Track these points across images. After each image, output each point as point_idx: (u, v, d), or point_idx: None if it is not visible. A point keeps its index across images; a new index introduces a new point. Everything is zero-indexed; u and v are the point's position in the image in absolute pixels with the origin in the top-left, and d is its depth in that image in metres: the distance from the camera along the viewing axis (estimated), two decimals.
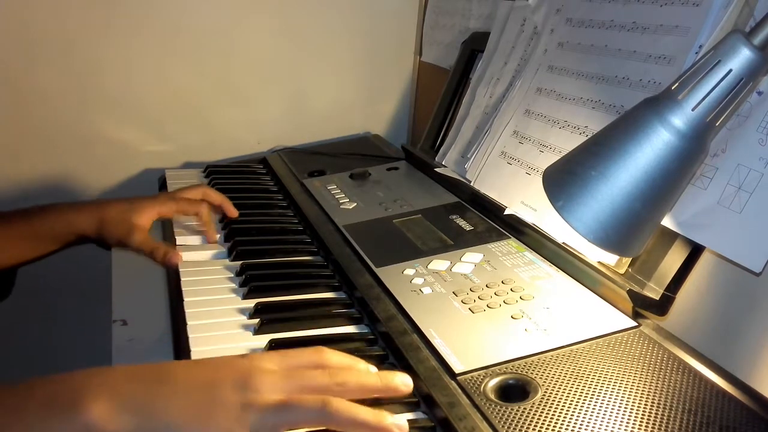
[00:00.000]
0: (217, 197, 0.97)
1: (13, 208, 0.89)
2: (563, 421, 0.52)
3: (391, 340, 0.65)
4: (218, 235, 0.93)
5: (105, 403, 0.46)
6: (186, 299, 0.75)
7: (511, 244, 0.80)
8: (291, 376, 0.51)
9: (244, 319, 0.72)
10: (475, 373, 0.58)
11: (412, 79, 1.38)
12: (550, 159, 0.75)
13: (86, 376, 0.48)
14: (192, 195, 0.95)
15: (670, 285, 0.63)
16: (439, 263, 0.77)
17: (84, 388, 0.47)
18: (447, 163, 1.02)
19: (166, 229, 0.97)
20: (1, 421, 0.45)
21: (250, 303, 0.74)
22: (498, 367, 0.59)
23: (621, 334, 0.62)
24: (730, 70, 0.49)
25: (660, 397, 0.54)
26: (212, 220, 0.94)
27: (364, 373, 0.54)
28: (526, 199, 0.81)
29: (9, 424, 0.45)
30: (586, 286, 0.70)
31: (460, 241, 0.82)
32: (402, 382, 0.53)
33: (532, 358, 0.59)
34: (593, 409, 0.53)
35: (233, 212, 0.97)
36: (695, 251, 0.62)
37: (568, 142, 0.77)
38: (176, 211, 0.93)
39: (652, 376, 0.56)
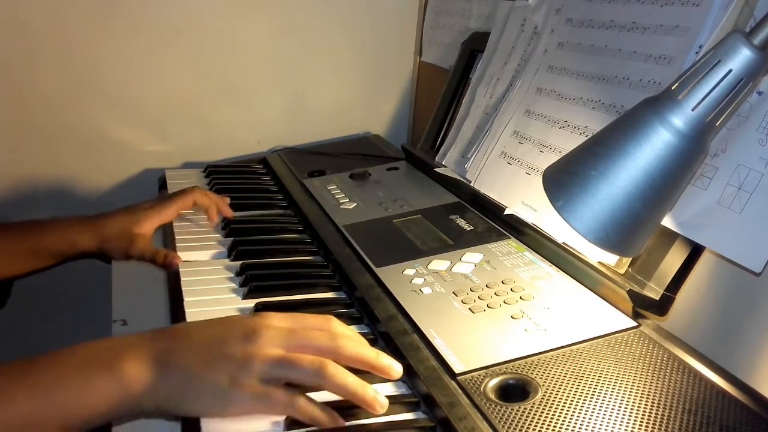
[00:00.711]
0: (207, 202, 0.96)
1: (13, 209, 0.89)
2: (563, 421, 0.52)
3: (391, 340, 0.65)
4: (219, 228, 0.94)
5: (135, 361, 0.53)
6: (186, 299, 0.75)
7: (511, 244, 0.80)
8: (294, 334, 0.56)
9: None
10: (475, 373, 0.58)
11: (412, 79, 1.38)
12: (550, 159, 0.75)
13: (118, 341, 0.57)
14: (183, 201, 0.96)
15: (670, 285, 0.63)
16: (439, 263, 0.77)
17: (118, 350, 0.55)
18: (447, 163, 1.02)
19: (166, 230, 0.97)
20: (47, 382, 0.52)
21: (250, 303, 0.74)
22: (498, 367, 0.59)
23: (621, 334, 0.62)
24: (730, 70, 0.49)
25: (660, 397, 0.54)
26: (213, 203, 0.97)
27: (363, 344, 0.58)
28: (526, 199, 0.81)
29: (54, 384, 0.52)
30: (586, 286, 0.70)
31: (460, 241, 0.82)
32: (389, 365, 0.57)
33: (532, 358, 0.59)
34: (593, 409, 0.53)
35: (228, 213, 0.98)
36: (695, 251, 0.62)
37: (568, 142, 0.77)
38: (176, 212, 0.94)
39: (652, 376, 0.56)
